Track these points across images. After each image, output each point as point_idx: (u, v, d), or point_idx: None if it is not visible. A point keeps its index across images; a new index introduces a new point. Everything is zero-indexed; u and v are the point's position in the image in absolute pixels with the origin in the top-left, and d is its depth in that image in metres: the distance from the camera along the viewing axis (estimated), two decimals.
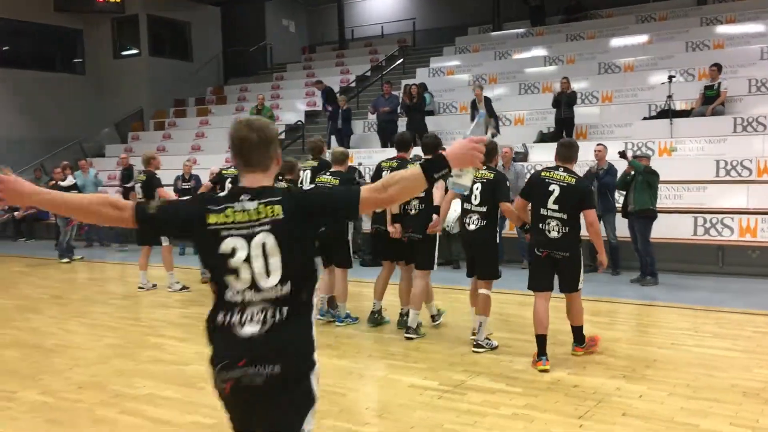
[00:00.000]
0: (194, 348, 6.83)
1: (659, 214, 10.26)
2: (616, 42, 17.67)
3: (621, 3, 20.40)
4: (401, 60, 21.20)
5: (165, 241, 10.16)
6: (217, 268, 2.62)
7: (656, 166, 11.67)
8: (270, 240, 2.55)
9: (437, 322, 7.40)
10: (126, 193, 12.86)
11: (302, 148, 17.75)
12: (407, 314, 7.10)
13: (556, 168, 5.98)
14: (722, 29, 16.52)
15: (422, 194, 6.55)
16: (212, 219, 2.60)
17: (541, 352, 5.86)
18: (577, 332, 6.22)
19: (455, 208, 7.00)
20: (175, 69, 23.31)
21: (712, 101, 13.15)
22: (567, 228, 5.82)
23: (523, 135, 14.66)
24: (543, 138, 14.19)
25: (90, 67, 23.06)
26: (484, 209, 6.31)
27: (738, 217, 10.21)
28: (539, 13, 21.10)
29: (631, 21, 19.09)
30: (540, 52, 18.38)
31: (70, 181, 13.71)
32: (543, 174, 5.98)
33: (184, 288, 10.12)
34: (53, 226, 15.11)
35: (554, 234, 5.83)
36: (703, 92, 13.29)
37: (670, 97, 13.14)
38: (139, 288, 10.05)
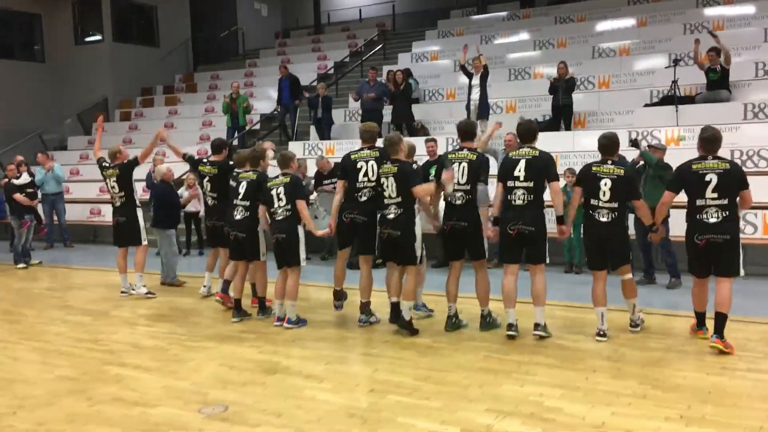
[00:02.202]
0: (161, 381, 5.81)
1: (674, 210, 9.45)
2: (608, 25, 16.83)
3: None
4: (381, 45, 20.15)
5: (144, 240, 9.32)
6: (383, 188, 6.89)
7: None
8: (393, 180, 6.75)
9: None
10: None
11: (279, 138, 16.68)
12: (455, 315, 7.08)
13: (705, 158, 6.16)
14: (720, 10, 15.73)
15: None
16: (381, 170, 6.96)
17: (701, 323, 6.43)
18: (722, 321, 6.04)
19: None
20: (141, 55, 21.95)
21: (716, 85, 12.31)
22: (728, 212, 6.03)
23: (515, 124, 13.67)
24: (539, 127, 13.19)
25: (50, 54, 21.61)
26: (615, 205, 6.47)
27: (762, 212, 9.36)
28: None
29: (622, 2, 18.21)
30: (527, 36, 17.47)
31: (25, 178, 12.50)
32: (694, 167, 6.14)
33: (149, 293, 9.14)
34: (8, 226, 13.86)
35: (714, 219, 6.04)
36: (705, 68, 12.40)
37: (675, 82, 12.25)
38: (122, 293, 9.34)
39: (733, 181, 6.06)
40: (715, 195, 6.02)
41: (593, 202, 6.52)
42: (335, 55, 20.42)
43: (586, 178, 6.63)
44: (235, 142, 16.26)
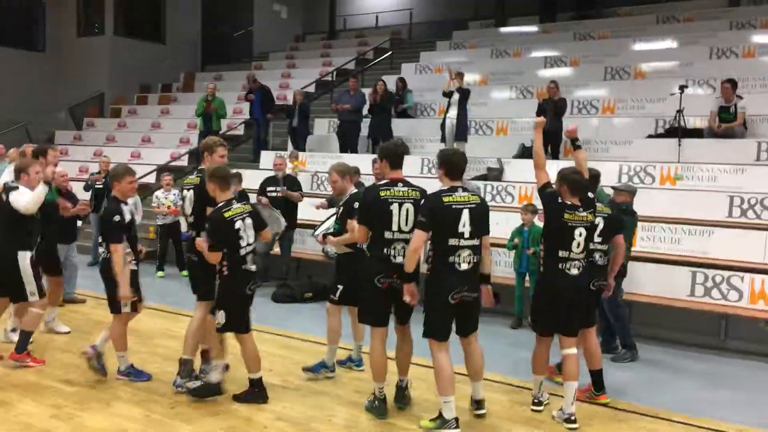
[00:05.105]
0: None
1: (649, 264, 8.02)
2: (631, 45, 15.18)
3: (643, 1, 17.95)
4: (389, 53, 18.86)
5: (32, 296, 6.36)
6: None
7: (655, 198, 9.37)
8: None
9: None
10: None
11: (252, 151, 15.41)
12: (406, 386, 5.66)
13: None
14: (754, 35, 13.99)
15: None
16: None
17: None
18: (599, 377, 5.73)
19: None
20: (144, 51, 21.03)
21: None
22: (607, 258, 5.85)
23: (501, 148, 12.22)
24: (524, 152, 11.68)
25: (51, 45, 20.96)
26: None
27: (750, 276, 7.65)
28: (551, 6, 18.65)
29: (651, 21, 16.61)
30: (543, 52, 15.88)
31: None
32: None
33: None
34: None
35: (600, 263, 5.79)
36: (716, 113, 10.71)
37: (680, 111, 10.60)
38: None
39: (612, 227, 5.83)
40: (600, 240, 5.71)
41: (563, 254, 5.31)
42: (341, 62, 19.23)
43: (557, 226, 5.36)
44: None
